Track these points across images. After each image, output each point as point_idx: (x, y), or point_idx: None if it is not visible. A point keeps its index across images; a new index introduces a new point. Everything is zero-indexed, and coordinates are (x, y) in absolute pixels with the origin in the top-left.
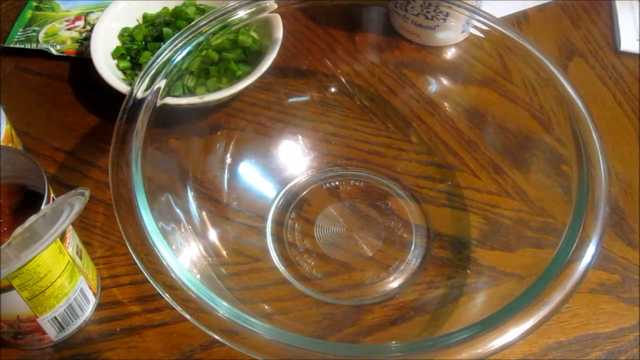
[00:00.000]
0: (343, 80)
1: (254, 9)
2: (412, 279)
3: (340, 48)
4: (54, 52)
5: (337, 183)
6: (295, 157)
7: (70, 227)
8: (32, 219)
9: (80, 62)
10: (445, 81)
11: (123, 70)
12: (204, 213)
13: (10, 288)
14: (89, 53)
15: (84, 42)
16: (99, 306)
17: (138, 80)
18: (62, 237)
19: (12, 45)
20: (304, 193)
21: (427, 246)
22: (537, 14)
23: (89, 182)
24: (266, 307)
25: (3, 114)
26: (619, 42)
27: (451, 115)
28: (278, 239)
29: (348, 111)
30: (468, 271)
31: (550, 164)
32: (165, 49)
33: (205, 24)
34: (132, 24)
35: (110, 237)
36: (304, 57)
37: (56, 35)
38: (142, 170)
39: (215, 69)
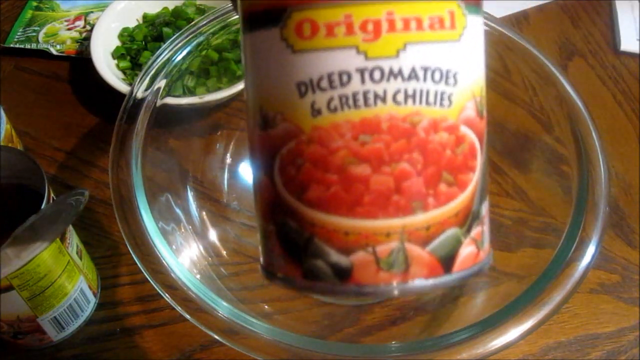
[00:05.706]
0: None
1: None
2: None
3: None
4: (54, 52)
5: None
6: None
7: (70, 227)
8: (32, 219)
9: (80, 62)
10: None
11: (123, 70)
12: (204, 213)
13: (10, 288)
14: (89, 53)
15: (84, 42)
16: (99, 306)
17: (138, 80)
18: (62, 237)
19: (12, 45)
20: None
21: None
22: (537, 14)
23: (89, 182)
24: (266, 307)
25: (3, 114)
26: (619, 42)
27: None
28: None
29: None
30: None
31: (550, 164)
32: (165, 49)
33: (205, 24)
34: (132, 24)
35: (110, 237)
36: None
37: (56, 35)
38: (142, 170)
39: (215, 69)
